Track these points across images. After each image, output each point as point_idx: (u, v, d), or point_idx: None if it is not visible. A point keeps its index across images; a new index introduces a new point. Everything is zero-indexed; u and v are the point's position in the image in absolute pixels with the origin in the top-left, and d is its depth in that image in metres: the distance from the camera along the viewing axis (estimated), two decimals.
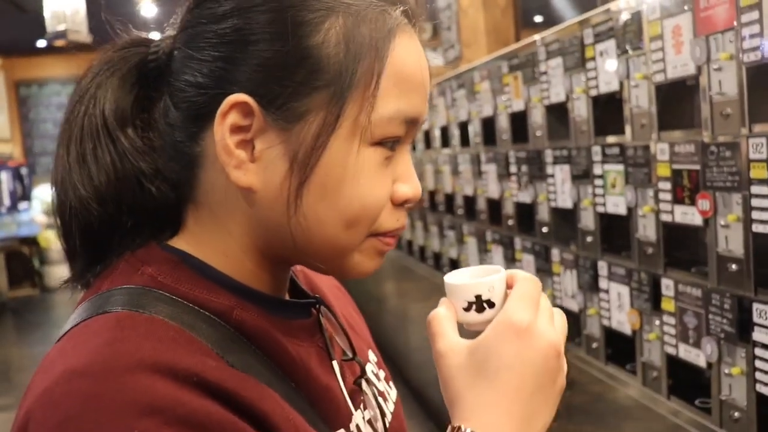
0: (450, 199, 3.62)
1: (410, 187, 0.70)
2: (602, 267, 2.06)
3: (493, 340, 0.65)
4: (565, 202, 2.26)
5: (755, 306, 1.43)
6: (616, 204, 1.94)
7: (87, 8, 5.44)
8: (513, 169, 2.69)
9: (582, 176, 2.14)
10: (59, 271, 9.48)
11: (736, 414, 1.50)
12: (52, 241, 9.58)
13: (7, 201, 9.56)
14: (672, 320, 1.72)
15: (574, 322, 2.26)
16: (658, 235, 1.76)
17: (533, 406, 0.65)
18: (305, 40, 0.64)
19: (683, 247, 1.76)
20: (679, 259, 1.75)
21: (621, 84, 1.88)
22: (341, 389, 0.75)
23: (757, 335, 1.43)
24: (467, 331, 0.70)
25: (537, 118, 2.44)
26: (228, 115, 0.65)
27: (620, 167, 1.91)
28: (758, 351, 1.43)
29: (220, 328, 0.65)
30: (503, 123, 2.78)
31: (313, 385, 0.71)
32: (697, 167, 1.57)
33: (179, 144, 0.69)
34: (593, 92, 2.03)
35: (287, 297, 0.79)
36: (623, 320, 1.96)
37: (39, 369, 0.62)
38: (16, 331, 8.15)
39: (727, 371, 1.52)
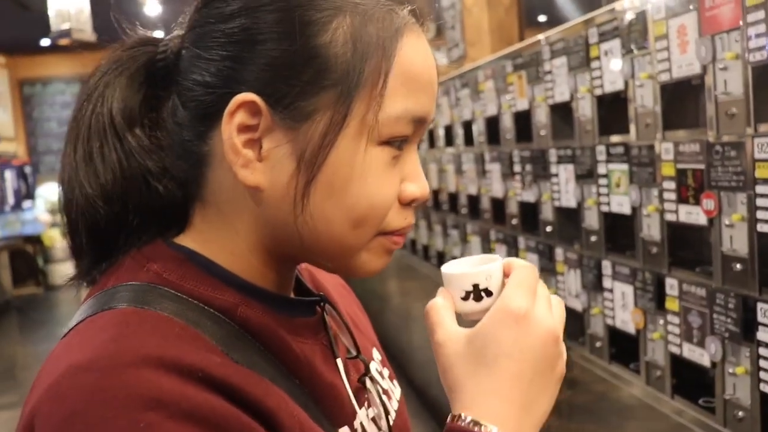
0: (454, 198, 3.62)
1: (418, 187, 0.71)
2: (606, 266, 2.06)
3: (491, 328, 0.65)
4: (569, 201, 2.26)
5: (759, 305, 1.43)
6: (621, 203, 1.94)
7: (91, 7, 5.45)
8: (517, 168, 2.69)
9: (586, 176, 2.14)
10: (63, 270, 9.50)
11: (740, 413, 1.50)
12: (56, 239, 9.60)
13: (11, 199, 9.58)
14: (676, 320, 1.72)
15: (578, 321, 2.26)
16: (662, 235, 1.76)
17: (533, 392, 0.65)
18: (313, 40, 0.64)
19: (688, 247, 1.76)
20: (683, 258, 1.75)
21: (626, 83, 1.87)
22: (345, 387, 0.75)
23: (762, 335, 1.43)
24: (465, 321, 0.70)
25: (541, 117, 2.44)
26: (235, 115, 0.65)
27: (625, 167, 1.90)
28: (762, 350, 1.43)
29: (225, 326, 0.66)
30: (507, 122, 2.78)
31: (318, 382, 0.71)
32: (702, 167, 1.57)
33: (187, 143, 0.70)
34: (598, 92, 2.03)
35: (292, 295, 0.79)
36: (627, 319, 1.96)
37: (45, 365, 0.62)
38: (21, 330, 8.17)
39: (731, 371, 1.51)
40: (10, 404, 5.11)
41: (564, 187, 2.29)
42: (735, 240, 1.48)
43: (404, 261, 4.41)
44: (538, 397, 0.65)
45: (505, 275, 0.70)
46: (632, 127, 1.86)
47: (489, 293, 0.69)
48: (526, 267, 0.69)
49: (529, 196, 2.59)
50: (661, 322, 1.79)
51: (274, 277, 0.73)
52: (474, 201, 3.30)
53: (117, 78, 0.72)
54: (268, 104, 0.65)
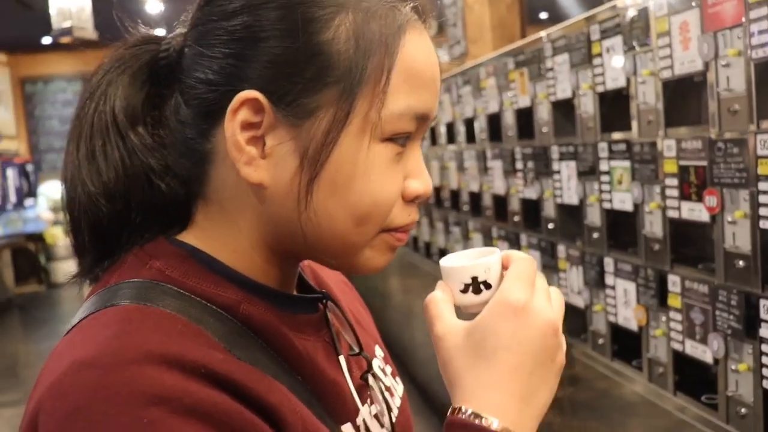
0: (455, 195, 3.61)
1: (421, 183, 0.71)
2: (608, 263, 2.06)
3: (490, 320, 0.65)
4: (571, 198, 2.26)
5: (762, 302, 1.43)
6: (623, 200, 1.94)
7: (93, 5, 5.45)
8: (519, 165, 2.69)
9: (588, 172, 2.14)
10: (65, 267, 9.52)
11: (743, 410, 1.50)
12: (58, 237, 9.61)
13: (13, 198, 9.59)
14: (678, 316, 1.72)
15: (580, 318, 2.26)
16: (664, 232, 1.76)
17: (533, 384, 0.65)
18: (315, 37, 0.64)
19: (690, 244, 1.76)
20: (685, 255, 1.74)
21: (628, 80, 1.87)
22: (348, 384, 0.75)
23: (764, 331, 1.43)
24: (465, 314, 0.70)
25: (543, 114, 2.44)
26: (238, 112, 0.65)
27: (627, 164, 1.90)
28: (765, 347, 1.43)
29: (228, 322, 0.66)
30: (509, 119, 2.78)
31: (320, 379, 0.72)
32: (704, 163, 1.57)
33: (190, 141, 0.70)
34: (600, 88, 2.03)
35: (295, 292, 0.79)
36: (629, 316, 1.95)
37: (48, 361, 0.62)
38: (23, 327, 8.18)
39: (733, 367, 1.51)
40: (13, 402, 5.12)
41: (566, 184, 2.29)
42: (737, 237, 1.48)
43: (406, 258, 4.41)
44: (538, 388, 0.65)
45: (504, 268, 0.70)
46: (634, 124, 1.86)
47: (488, 286, 0.69)
48: (524, 259, 0.69)
49: (531, 193, 2.59)
50: (664, 318, 1.79)
51: (277, 274, 0.73)
52: (476, 198, 3.29)
53: (120, 76, 0.72)
54: (271, 101, 0.65)
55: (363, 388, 0.78)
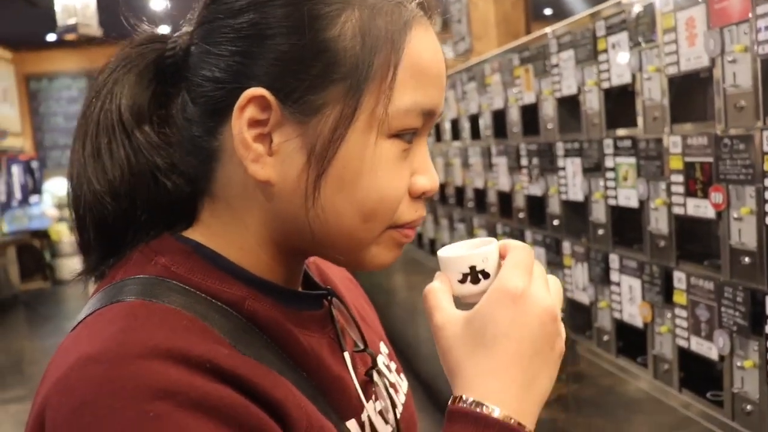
0: (460, 191, 3.61)
1: (428, 179, 0.71)
2: (614, 260, 2.05)
3: (488, 309, 0.65)
4: (577, 195, 2.26)
5: None
6: (628, 197, 1.94)
7: (97, 2, 5.46)
8: (524, 161, 2.69)
9: (593, 169, 2.13)
10: (70, 264, 9.55)
11: (749, 407, 1.49)
12: (63, 234, 9.63)
13: (18, 194, 9.62)
14: (684, 313, 1.71)
15: (585, 314, 2.26)
16: (670, 228, 1.76)
17: (533, 371, 0.65)
18: (321, 34, 0.64)
19: (695, 240, 1.75)
20: (691, 252, 1.74)
21: (633, 76, 1.87)
22: (353, 380, 0.75)
23: None
24: (463, 304, 0.70)
25: (548, 110, 2.43)
26: (245, 109, 0.65)
27: (632, 160, 1.90)
28: None
29: (233, 319, 0.66)
30: (514, 116, 2.77)
31: (325, 375, 0.72)
32: (710, 160, 1.57)
33: (197, 139, 0.70)
34: (605, 85, 2.02)
35: (300, 289, 0.79)
36: (635, 313, 1.95)
37: (54, 357, 0.63)
38: (28, 324, 8.21)
39: (739, 364, 1.51)
40: (18, 398, 5.14)
41: (571, 181, 2.29)
42: (743, 233, 1.48)
43: (410, 255, 4.41)
44: (538, 375, 0.65)
45: (502, 257, 0.70)
46: (640, 121, 1.85)
47: (486, 275, 0.69)
48: (521, 248, 0.69)
49: (536, 190, 2.58)
50: (669, 315, 1.78)
51: (283, 270, 0.73)
52: (480, 195, 3.29)
53: (126, 75, 0.72)
54: (278, 99, 0.65)
55: (368, 385, 0.78)
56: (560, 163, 2.36)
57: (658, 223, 1.80)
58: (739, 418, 1.54)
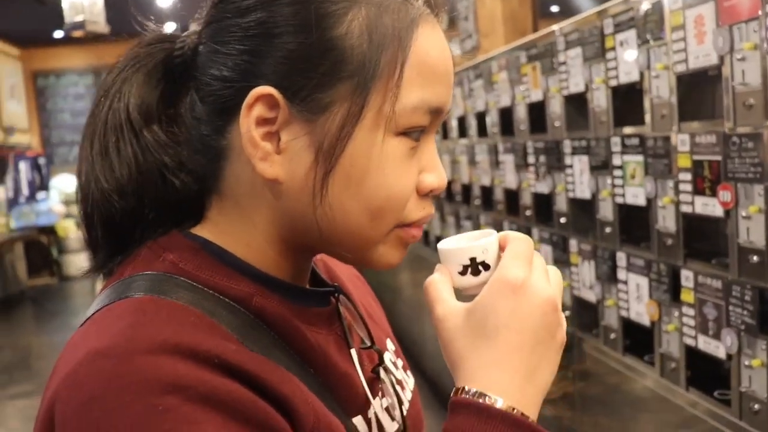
0: (467, 189, 3.61)
1: (436, 177, 0.71)
2: (621, 258, 2.05)
3: (489, 299, 0.65)
4: (584, 192, 2.25)
5: None
6: (636, 195, 1.93)
7: None
8: (531, 159, 2.68)
9: (601, 167, 2.13)
10: (77, 260, 9.59)
11: (756, 406, 1.49)
12: (70, 230, 9.66)
13: (25, 191, 9.65)
14: (691, 311, 1.71)
15: (592, 313, 2.25)
16: (677, 227, 1.75)
17: (535, 360, 0.65)
18: (329, 32, 0.64)
19: (703, 239, 1.75)
20: (699, 250, 1.74)
21: (641, 74, 1.86)
22: (359, 377, 0.75)
23: None
24: (464, 296, 0.70)
25: (555, 108, 2.43)
26: (253, 108, 0.65)
27: (640, 158, 1.89)
28: None
29: (240, 315, 0.66)
30: (521, 113, 2.77)
31: (332, 371, 0.72)
32: (719, 158, 1.56)
33: (205, 137, 0.70)
34: (613, 82, 2.02)
35: (307, 285, 0.79)
36: (642, 311, 1.95)
37: (63, 353, 0.63)
38: (35, 320, 8.24)
39: (747, 363, 1.51)
40: (25, 393, 5.16)
41: (578, 179, 2.28)
42: (752, 232, 1.47)
43: (417, 252, 4.41)
44: (540, 365, 0.65)
45: (501, 249, 0.70)
46: (648, 118, 1.85)
47: (486, 267, 0.69)
48: (521, 239, 0.69)
49: (543, 188, 2.58)
50: (676, 314, 1.78)
51: (290, 268, 0.73)
52: (487, 192, 3.29)
53: (134, 74, 0.72)
54: (286, 97, 0.65)
55: (374, 382, 0.79)
56: (567, 160, 2.35)
57: (666, 221, 1.79)
58: (746, 417, 1.53)
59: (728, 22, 1.50)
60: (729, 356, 1.57)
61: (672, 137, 1.74)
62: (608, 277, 2.13)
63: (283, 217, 0.69)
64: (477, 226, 3.42)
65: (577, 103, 2.30)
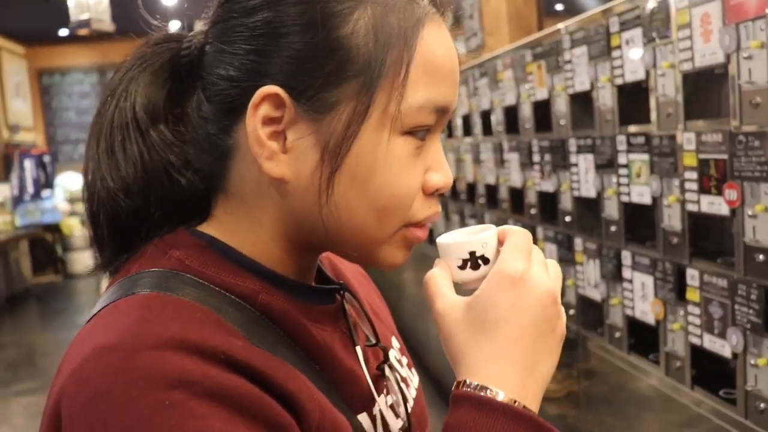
0: (472, 187, 3.61)
1: (442, 176, 0.71)
2: (626, 257, 2.04)
3: (489, 293, 0.66)
4: (589, 191, 2.25)
5: None
6: (641, 193, 1.93)
7: None
8: (536, 158, 2.68)
9: (606, 165, 2.12)
10: (82, 258, 9.61)
11: (762, 405, 1.49)
12: (74, 228, 9.69)
13: (30, 189, 9.67)
14: (697, 310, 1.71)
15: (597, 311, 2.25)
16: (683, 225, 1.75)
17: (535, 353, 0.65)
18: (335, 31, 0.65)
19: (709, 238, 1.74)
20: (704, 249, 1.73)
21: (647, 73, 1.86)
22: (365, 374, 0.75)
23: None
24: (464, 290, 0.70)
25: (561, 106, 2.42)
26: (260, 107, 0.65)
27: (645, 156, 1.89)
28: None
29: (246, 312, 0.66)
30: (526, 112, 2.77)
31: (337, 368, 0.72)
32: (725, 157, 1.56)
33: (212, 137, 0.70)
34: (618, 81, 2.01)
35: (313, 283, 0.79)
36: (647, 310, 1.95)
37: (69, 349, 0.63)
38: (40, 317, 8.27)
39: (752, 362, 1.50)
40: (30, 390, 5.17)
41: (584, 177, 2.28)
42: (758, 231, 1.47)
43: (421, 251, 4.41)
44: (540, 358, 0.65)
45: (500, 243, 0.70)
46: (653, 117, 1.84)
47: (486, 260, 0.69)
48: (520, 232, 0.70)
49: (548, 186, 2.58)
50: (682, 312, 1.78)
51: (296, 265, 0.74)
52: (492, 191, 3.29)
53: (141, 74, 0.73)
54: (292, 96, 0.65)
55: (379, 379, 0.79)
56: (573, 159, 2.35)
57: (671, 220, 1.79)
58: (752, 416, 1.53)
59: (735, 20, 1.49)
60: (734, 355, 1.57)
61: (678, 136, 1.74)
62: (613, 275, 2.13)
63: (289, 216, 0.70)
64: None
65: (582, 102, 2.30)
